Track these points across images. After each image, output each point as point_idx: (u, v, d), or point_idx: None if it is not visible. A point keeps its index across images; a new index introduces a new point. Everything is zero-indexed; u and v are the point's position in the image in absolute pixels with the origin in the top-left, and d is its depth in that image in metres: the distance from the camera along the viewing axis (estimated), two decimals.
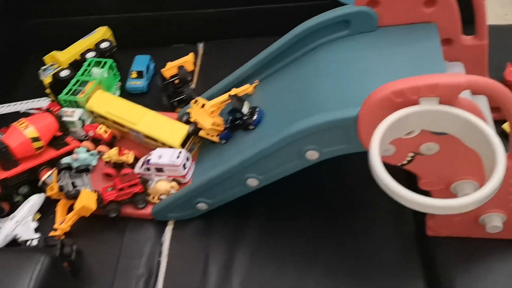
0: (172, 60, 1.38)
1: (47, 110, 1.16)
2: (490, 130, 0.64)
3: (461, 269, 0.90)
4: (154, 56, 1.44)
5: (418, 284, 0.92)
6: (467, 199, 0.60)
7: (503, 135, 1.07)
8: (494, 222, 0.85)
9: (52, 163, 1.13)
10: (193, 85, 1.36)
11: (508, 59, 1.17)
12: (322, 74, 0.95)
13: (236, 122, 1.05)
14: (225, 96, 1.06)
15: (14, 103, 1.21)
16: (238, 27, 1.49)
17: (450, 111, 0.67)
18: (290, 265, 0.98)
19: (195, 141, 1.13)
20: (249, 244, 1.01)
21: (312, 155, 0.85)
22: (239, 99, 1.03)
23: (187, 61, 1.35)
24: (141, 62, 1.39)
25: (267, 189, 0.96)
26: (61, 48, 1.40)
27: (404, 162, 0.80)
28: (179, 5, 1.46)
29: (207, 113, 1.05)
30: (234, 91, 1.08)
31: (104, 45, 1.39)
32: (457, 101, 0.68)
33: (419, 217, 0.97)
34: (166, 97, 1.27)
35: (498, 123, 1.06)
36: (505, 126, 1.06)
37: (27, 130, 1.07)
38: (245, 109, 1.02)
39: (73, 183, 1.07)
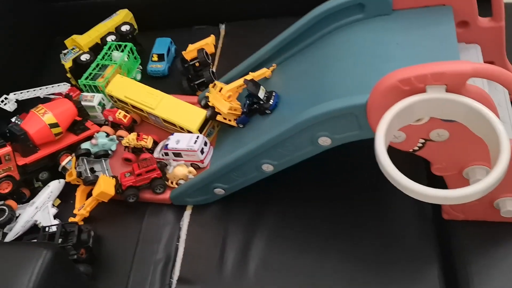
0: (193, 42, 1.45)
1: (66, 95, 1.24)
2: (494, 118, 0.69)
3: (476, 253, 0.95)
4: (176, 38, 1.51)
5: (432, 268, 0.97)
6: (468, 190, 0.65)
7: None
8: (509, 207, 0.90)
9: (72, 148, 1.22)
10: (214, 68, 1.42)
11: None
12: (337, 58, 1.00)
13: (253, 107, 1.11)
14: (241, 81, 1.12)
15: (34, 89, 1.29)
16: (260, 8, 1.54)
17: (456, 99, 0.72)
18: (306, 250, 1.04)
19: (213, 126, 1.20)
20: (266, 229, 1.08)
21: (325, 141, 0.91)
22: (255, 84, 1.09)
23: (208, 43, 1.42)
24: (162, 45, 1.46)
25: (285, 174, 1.02)
26: (85, 30, 1.48)
27: (416, 148, 0.85)
28: None
29: (224, 97, 1.12)
30: (250, 75, 1.14)
31: (124, 28, 1.46)
32: (464, 89, 0.73)
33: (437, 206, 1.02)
34: (186, 80, 1.34)
35: None
36: None
37: (45, 116, 1.15)
38: (261, 93, 1.08)
39: (91, 169, 1.16)
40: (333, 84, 0.96)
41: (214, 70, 1.36)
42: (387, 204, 1.07)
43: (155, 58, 1.43)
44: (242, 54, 1.35)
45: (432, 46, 0.92)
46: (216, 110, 1.12)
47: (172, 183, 1.14)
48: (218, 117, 1.13)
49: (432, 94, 0.73)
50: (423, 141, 0.83)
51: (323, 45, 1.05)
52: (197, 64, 1.34)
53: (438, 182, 0.88)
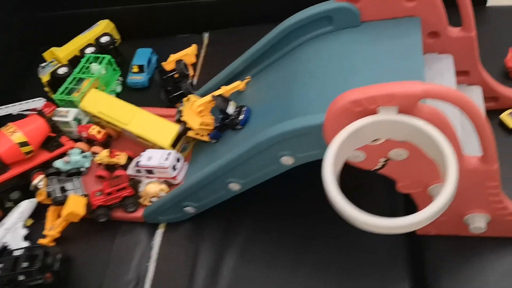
0: (177, 51, 1.47)
1: (39, 112, 1.26)
2: (443, 141, 0.69)
3: (449, 268, 0.95)
4: (159, 47, 1.52)
5: (403, 283, 0.97)
6: (407, 220, 0.65)
7: (501, 125, 1.12)
8: (477, 223, 0.90)
9: (46, 165, 1.24)
10: (196, 78, 1.43)
11: None
12: (305, 71, 1.00)
13: (225, 122, 1.12)
14: (210, 96, 1.13)
15: (6, 105, 1.32)
16: (245, 15, 1.55)
17: (406, 120, 0.72)
18: (277, 268, 1.05)
19: (188, 140, 1.21)
20: (237, 246, 1.09)
21: (287, 161, 0.91)
22: (225, 99, 1.10)
23: (188, 53, 1.43)
24: (142, 55, 1.48)
25: (257, 190, 1.02)
26: (67, 42, 1.50)
27: (378, 167, 0.85)
28: None
29: (195, 112, 1.13)
30: (222, 89, 1.15)
31: (104, 39, 1.48)
32: (417, 110, 0.73)
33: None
34: (164, 92, 1.35)
35: (496, 112, 1.12)
36: (503, 116, 1.09)
37: (14, 135, 1.17)
38: (231, 109, 1.09)
39: (63, 188, 1.17)
40: (299, 99, 0.96)
41: (194, 81, 1.37)
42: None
43: (135, 69, 1.44)
44: (225, 63, 1.36)
45: (398, 58, 0.92)
46: (187, 125, 1.13)
47: (145, 200, 1.15)
48: (190, 133, 1.14)
49: (383, 116, 0.73)
50: (384, 160, 0.83)
51: (293, 58, 1.06)
52: (176, 76, 1.35)
53: None
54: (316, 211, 1.09)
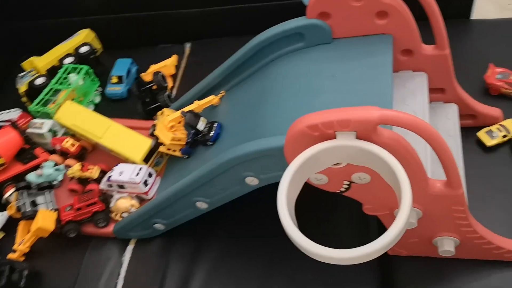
0: (158, 61, 1.46)
1: (12, 124, 1.25)
2: (399, 170, 0.67)
3: None
4: (140, 57, 1.51)
5: None
6: (359, 251, 0.64)
7: (478, 143, 1.10)
8: (445, 246, 0.89)
9: (20, 178, 1.23)
10: (175, 89, 1.42)
11: (499, 57, 1.17)
12: (274, 89, 0.99)
13: (196, 137, 1.10)
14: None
15: None
16: (226, 26, 1.54)
17: (363, 146, 0.70)
18: (248, 285, 1.03)
19: (162, 155, 1.19)
20: (207, 264, 1.08)
21: (252, 181, 0.90)
22: (195, 115, 1.09)
23: (167, 65, 1.42)
24: (121, 66, 1.47)
25: (228, 208, 1.01)
26: (47, 51, 1.49)
27: (342, 189, 0.84)
28: (165, 4, 1.52)
29: (166, 127, 1.11)
30: (195, 104, 1.14)
31: (83, 49, 1.47)
32: (375, 135, 0.71)
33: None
34: (141, 104, 1.34)
35: (474, 129, 1.10)
36: (480, 134, 1.08)
37: None
38: (201, 125, 1.08)
39: (33, 202, 1.16)
40: (266, 119, 0.95)
41: (173, 93, 1.36)
42: (329, 237, 1.05)
43: (114, 80, 1.44)
44: (205, 74, 1.34)
45: (367, 77, 0.91)
46: (159, 140, 1.12)
47: (116, 215, 1.14)
48: (162, 148, 1.13)
49: (340, 141, 0.71)
50: (347, 183, 0.82)
51: (264, 74, 1.05)
52: (154, 87, 1.34)
53: None
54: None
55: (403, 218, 0.64)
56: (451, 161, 0.74)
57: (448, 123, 1.02)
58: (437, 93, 1.05)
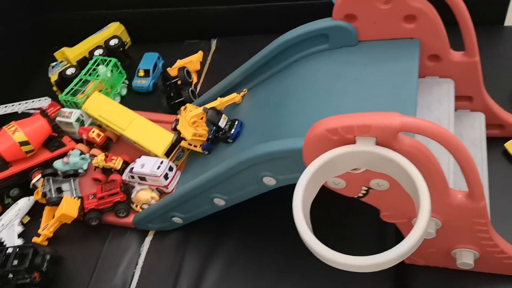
0: (184, 57, 1.43)
1: (42, 112, 1.24)
2: (419, 179, 0.63)
3: None
4: (167, 52, 1.49)
5: None
6: (375, 259, 0.60)
7: (505, 154, 1.04)
8: (464, 259, 0.84)
9: (47, 164, 1.22)
10: (199, 85, 1.40)
11: None
12: (296, 90, 0.96)
13: (217, 134, 1.08)
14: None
15: (12, 104, 1.30)
16: (252, 24, 1.50)
17: (382, 153, 0.67)
18: (261, 284, 1.01)
19: (183, 149, 1.17)
20: (223, 259, 1.05)
21: (269, 181, 0.87)
22: (217, 112, 1.06)
23: (192, 60, 1.40)
24: (149, 60, 1.45)
25: (247, 205, 0.98)
26: (79, 42, 1.49)
27: (360, 195, 0.80)
28: (193, 0, 1.50)
29: (189, 123, 1.09)
30: (218, 101, 1.11)
31: (113, 42, 1.46)
32: (396, 142, 0.67)
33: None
34: (166, 98, 1.32)
35: (501, 140, 1.04)
36: (508, 145, 1.02)
37: (15, 134, 1.16)
38: (223, 122, 1.05)
39: (59, 188, 1.15)
40: (288, 120, 0.92)
41: (194, 89, 1.34)
42: (346, 240, 1.01)
43: (141, 73, 1.42)
44: (229, 71, 1.31)
45: (391, 82, 0.87)
46: (181, 135, 1.10)
47: (136, 206, 1.12)
48: (183, 143, 1.11)
49: (359, 147, 0.68)
50: (366, 188, 0.78)
51: (287, 75, 1.01)
52: (179, 82, 1.32)
53: None
54: None
55: (421, 228, 0.61)
56: (474, 172, 0.70)
57: (474, 132, 0.97)
58: (464, 100, 1.00)
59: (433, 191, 0.64)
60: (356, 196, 0.81)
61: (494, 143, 1.03)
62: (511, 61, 1.20)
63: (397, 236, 0.99)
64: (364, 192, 0.79)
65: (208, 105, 1.09)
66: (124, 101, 1.40)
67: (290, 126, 0.89)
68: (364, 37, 0.94)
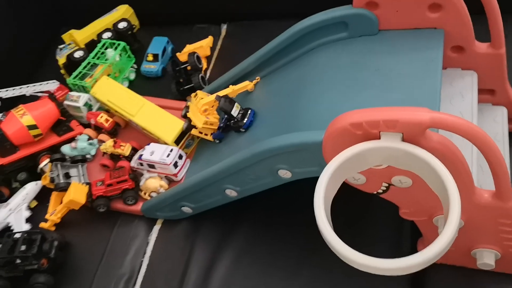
0: (194, 41, 1.38)
1: (50, 95, 1.19)
2: (450, 179, 0.58)
3: None
4: (176, 36, 1.43)
5: None
6: (401, 262, 0.55)
7: None
8: (485, 259, 0.79)
9: (55, 149, 1.17)
10: (209, 71, 1.34)
11: None
12: (313, 80, 0.90)
13: (229, 123, 1.02)
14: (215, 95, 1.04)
15: (20, 86, 1.25)
16: (265, 8, 1.44)
17: (410, 150, 0.61)
18: (272, 277, 0.96)
19: (193, 137, 1.12)
20: (233, 251, 1.01)
21: (285, 174, 0.82)
22: (229, 100, 1.01)
23: (203, 46, 1.34)
24: (158, 44, 1.39)
25: (259, 196, 0.93)
26: (87, 24, 1.42)
27: (379, 191, 0.75)
28: None
29: (200, 111, 1.04)
30: (230, 89, 1.06)
31: (121, 25, 1.40)
32: (424, 138, 0.62)
33: (415, 240, 0.92)
34: (175, 84, 1.26)
35: None
36: None
37: (24, 117, 1.11)
38: (235, 111, 1.00)
39: (67, 174, 1.11)
40: (305, 111, 0.87)
41: (205, 75, 1.28)
42: (361, 236, 0.97)
43: (150, 57, 1.36)
44: (239, 57, 1.25)
45: (414, 73, 0.81)
46: (192, 123, 1.05)
47: (145, 194, 1.08)
48: (194, 131, 1.06)
49: (385, 143, 0.63)
50: (386, 185, 0.73)
51: (303, 63, 0.96)
52: (188, 68, 1.26)
53: None
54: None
55: (450, 233, 0.56)
56: (505, 173, 0.65)
57: (495, 127, 0.92)
58: (485, 94, 0.94)
59: (459, 190, 0.59)
60: (375, 192, 0.76)
61: None
62: None
63: (413, 231, 0.95)
64: (384, 188, 0.74)
65: (220, 93, 1.03)
66: (132, 85, 1.34)
67: (307, 118, 0.84)
68: (385, 26, 0.88)
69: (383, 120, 0.62)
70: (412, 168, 0.65)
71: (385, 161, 0.66)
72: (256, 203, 1.00)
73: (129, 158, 1.13)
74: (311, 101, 0.87)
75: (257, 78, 1.07)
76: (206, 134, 1.06)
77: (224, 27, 1.46)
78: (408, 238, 0.97)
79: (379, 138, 0.64)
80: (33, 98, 1.27)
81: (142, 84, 1.34)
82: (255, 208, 1.04)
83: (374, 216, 1.01)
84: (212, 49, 1.38)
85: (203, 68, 1.29)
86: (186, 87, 1.24)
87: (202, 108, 1.03)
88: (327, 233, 0.60)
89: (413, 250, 0.94)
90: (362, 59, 0.87)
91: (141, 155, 1.08)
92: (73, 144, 1.15)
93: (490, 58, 0.87)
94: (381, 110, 0.62)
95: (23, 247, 0.99)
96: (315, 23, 0.92)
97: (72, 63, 1.32)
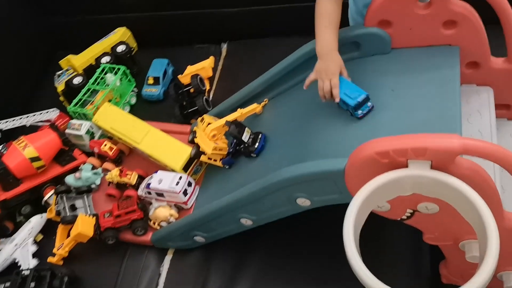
0: (194, 61, 1.35)
1: (51, 125, 1.16)
2: (484, 208, 0.56)
3: None
4: (176, 57, 1.41)
5: None
6: None
7: None
8: None
9: (58, 179, 1.15)
10: (212, 92, 1.32)
11: None
12: (326, 104, 0.88)
13: (239, 148, 1.00)
14: (225, 120, 1.02)
15: (20, 116, 1.23)
16: (264, 27, 1.42)
17: (441, 178, 0.60)
18: None
19: (201, 162, 1.09)
20: (249, 279, 0.98)
21: (304, 202, 0.80)
22: (239, 125, 0.98)
23: (205, 67, 1.32)
24: (158, 66, 1.37)
25: (273, 225, 0.91)
26: (86, 47, 1.40)
27: (404, 217, 0.73)
28: (202, 3, 1.41)
29: (208, 136, 1.02)
30: (239, 112, 1.04)
31: (120, 48, 1.37)
32: (453, 165, 0.60)
33: (437, 262, 0.90)
34: (179, 107, 1.24)
35: None
36: None
37: (26, 149, 1.08)
38: (246, 136, 0.98)
39: (73, 205, 1.08)
40: (320, 136, 0.85)
41: (208, 97, 1.26)
42: (381, 259, 0.95)
43: (150, 81, 1.34)
44: (242, 77, 1.25)
45: (431, 94, 0.80)
46: (200, 149, 1.02)
47: (154, 224, 1.05)
48: (203, 157, 1.03)
49: (413, 171, 0.61)
50: (411, 211, 0.71)
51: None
52: (191, 90, 1.24)
53: None
54: (333, 249, 0.96)
55: (492, 261, 0.54)
56: None
57: None
58: (501, 109, 0.92)
59: None
60: (399, 219, 0.74)
61: None
62: None
63: (432, 252, 0.93)
64: (409, 214, 0.73)
65: (229, 117, 1.01)
66: (134, 110, 1.32)
67: (324, 146, 0.82)
68: (397, 44, 0.86)
69: (412, 148, 0.60)
70: (441, 196, 0.63)
71: (412, 189, 0.64)
72: (269, 228, 0.97)
73: (135, 186, 1.10)
74: (324, 125, 0.85)
75: (265, 100, 1.05)
76: (215, 160, 1.03)
77: (224, 46, 1.44)
78: (427, 259, 0.95)
79: (406, 166, 0.62)
80: (32, 127, 1.24)
81: (143, 108, 1.32)
82: (268, 235, 1.01)
83: (390, 235, 0.99)
84: (214, 69, 1.35)
85: (206, 90, 1.27)
86: (190, 110, 1.22)
87: (211, 133, 1.01)
88: (360, 270, 0.58)
89: (433, 272, 0.92)
90: (376, 79, 0.85)
91: (149, 183, 1.05)
92: (77, 174, 1.13)
93: (506, 74, 0.86)
94: (408, 138, 0.61)
95: (32, 284, 0.96)
96: None
97: (71, 90, 1.29)
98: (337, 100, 0.80)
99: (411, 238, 0.96)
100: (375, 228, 0.96)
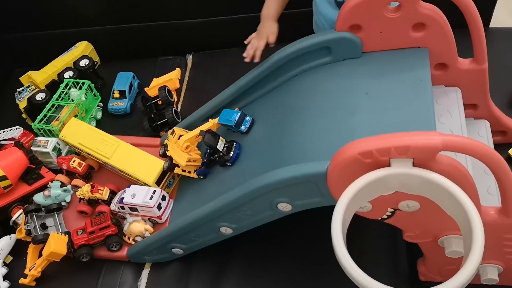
0: (159, 74, 1.35)
1: (16, 143, 1.14)
2: (467, 201, 0.58)
3: None
4: (140, 69, 1.40)
5: None
6: None
7: (509, 159, 1.01)
8: (489, 275, 0.80)
9: (26, 199, 1.12)
10: (180, 104, 1.32)
11: None
12: (300, 107, 0.90)
13: (213, 157, 1.00)
14: (198, 130, 1.01)
15: None
16: (229, 37, 1.42)
17: (423, 175, 0.62)
18: None
19: (174, 175, 1.09)
20: None
21: (285, 207, 0.81)
22: (213, 134, 0.99)
23: (172, 78, 1.31)
24: (123, 80, 1.35)
25: (251, 232, 0.91)
26: (46, 63, 1.37)
27: (384, 216, 0.75)
28: (165, 15, 1.41)
29: (181, 148, 1.01)
30: (210, 122, 1.04)
31: (83, 62, 1.36)
32: (434, 162, 0.62)
33: (414, 260, 0.92)
34: (148, 120, 1.23)
35: (504, 146, 1.01)
36: None
37: None
38: (220, 145, 0.98)
39: (43, 224, 1.06)
40: (296, 141, 0.86)
41: (177, 109, 1.26)
42: (358, 259, 0.96)
43: (116, 94, 1.32)
44: (209, 88, 1.26)
45: (404, 95, 0.82)
46: (174, 161, 1.02)
47: (129, 239, 1.04)
48: (177, 170, 1.03)
49: (397, 169, 0.63)
50: (392, 210, 0.73)
51: (287, 90, 0.95)
52: (159, 102, 1.24)
53: None
54: (313, 254, 0.99)
55: (477, 256, 0.56)
56: None
57: (481, 140, 0.93)
58: (468, 108, 0.96)
59: None
60: (380, 218, 0.76)
61: (497, 149, 0.99)
62: (501, 64, 1.17)
63: (408, 250, 0.95)
64: (390, 214, 0.74)
65: (202, 127, 1.01)
66: (100, 124, 1.30)
67: (301, 149, 0.83)
68: (368, 48, 0.89)
69: (395, 146, 0.62)
70: (423, 193, 0.65)
71: (395, 187, 0.66)
72: (248, 236, 0.98)
73: (107, 202, 1.08)
74: (300, 129, 0.86)
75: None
76: (189, 172, 1.03)
77: (189, 58, 1.44)
78: (404, 257, 0.97)
79: (389, 165, 0.64)
80: None
81: (110, 123, 1.31)
82: (247, 243, 1.01)
83: (368, 235, 1.00)
84: (180, 81, 1.35)
85: (175, 101, 1.26)
86: (159, 122, 1.22)
87: (184, 145, 1.01)
88: (351, 269, 0.59)
89: (411, 270, 0.94)
90: (349, 83, 0.87)
91: (122, 198, 1.04)
92: (46, 192, 1.10)
93: (473, 74, 0.89)
94: (391, 137, 0.62)
95: None
96: (297, 50, 0.91)
97: (34, 106, 1.27)
98: (256, 60, 0.98)
99: (389, 237, 0.98)
100: (352, 229, 0.99)
